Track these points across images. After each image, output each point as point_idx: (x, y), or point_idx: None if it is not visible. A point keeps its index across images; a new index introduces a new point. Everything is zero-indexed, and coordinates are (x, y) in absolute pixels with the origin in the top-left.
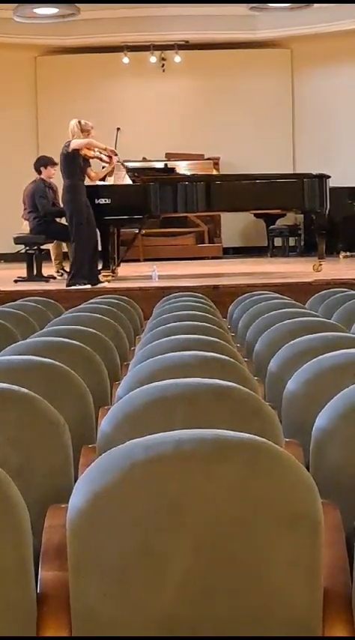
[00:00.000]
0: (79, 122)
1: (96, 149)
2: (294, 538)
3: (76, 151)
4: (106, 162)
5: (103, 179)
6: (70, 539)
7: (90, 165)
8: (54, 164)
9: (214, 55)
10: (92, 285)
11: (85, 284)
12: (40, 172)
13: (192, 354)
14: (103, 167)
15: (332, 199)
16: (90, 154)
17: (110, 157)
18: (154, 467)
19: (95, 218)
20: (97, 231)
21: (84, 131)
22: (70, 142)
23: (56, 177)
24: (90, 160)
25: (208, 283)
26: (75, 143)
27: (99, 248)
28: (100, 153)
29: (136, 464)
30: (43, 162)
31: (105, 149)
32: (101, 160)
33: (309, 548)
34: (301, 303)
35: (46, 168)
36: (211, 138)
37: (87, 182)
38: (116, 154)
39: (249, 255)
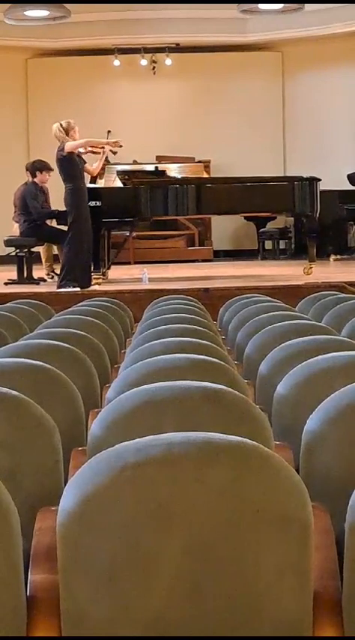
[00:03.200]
0: (61, 124)
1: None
2: (284, 541)
3: (71, 153)
4: (98, 152)
5: (94, 180)
6: (59, 542)
7: (85, 162)
8: (49, 170)
9: (205, 57)
10: (83, 287)
11: (75, 286)
12: (34, 175)
13: (182, 356)
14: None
15: (322, 202)
16: (84, 150)
17: (101, 148)
18: (144, 469)
19: None
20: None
21: (68, 131)
22: (63, 145)
23: (49, 182)
24: (84, 156)
25: (198, 286)
26: (70, 145)
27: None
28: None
29: (126, 467)
30: (38, 167)
31: (106, 143)
32: (94, 152)
33: (299, 551)
34: (291, 305)
35: (41, 172)
36: (202, 141)
37: (87, 178)
38: (119, 145)
39: (239, 258)
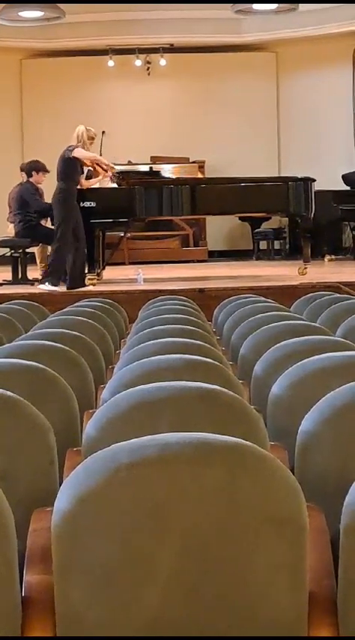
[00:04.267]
0: (88, 130)
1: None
2: (279, 541)
3: (78, 158)
4: (100, 174)
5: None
6: (54, 543)
7: (83, 173)
8: (46, 171)
9: (199, 58)
10: (76, 288)
11: (55, 285)
12: (30, 175)
13: (177, 357)
14: (89, 175)
15: (317, 203)
16: (88, 162)
17: (105, 171)
18: (139, 470)
19: None
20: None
21: (90, 139)
22: (74, 147)
23: (43, 184)
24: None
25: (193, 286)
26: (80, 153)
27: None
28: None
29: (121, 467)
30: (34, 167)
31: (107, 165)
32: (95, 170)
33: (294, 551)
34: (286, 306)
35: (37, 173)
36: (196, 141)
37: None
38: (114, 169)
39: (234, 259)
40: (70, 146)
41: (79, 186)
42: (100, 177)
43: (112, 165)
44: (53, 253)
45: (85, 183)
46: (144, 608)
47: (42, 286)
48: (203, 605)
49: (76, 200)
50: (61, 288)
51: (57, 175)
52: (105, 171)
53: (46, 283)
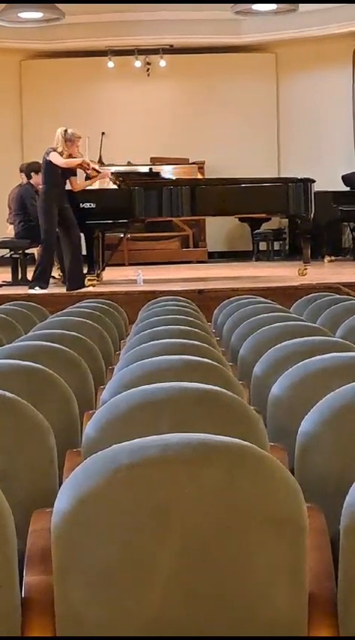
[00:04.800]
0: (65, 131)
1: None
2: (279, 542)
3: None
4: (91, 174)
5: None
6: (54, 544)
7: (75, 175)
8: None
9: (199, 59)
10: (76, 289)
11: (43, 288)
12: (29, 177)
13: (176, 358)
14: (86, 177)
15: (317, 203)
16: (64, 166)
17: (95, 171)
18: (139, 471)
19: (80, 222)
20: (81, 236)
21: (68, 141)
22: (51, 149)
23: None
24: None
25: (193, 287)
26: (54, 158)
27: (85, 252)
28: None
29: (121, 468)
30: (34, 168)
31: (83, 165)
32: (86, 172)
33: (294, 552)
34: (286, 307)
35: (36, 174)
36: (196, 142)
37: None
38: (97, 172)
39: (233, 260)
40: (49, 149)
41: (70, 188)
42: (93, 180)
43: (93, 167)
44: (39, 257)
45: (78, 186)
46: (144, 608)
47: (32, 291)
48: (203, 606)
49: (59, 202)
50: (60, 290)
51: (42, 177)
52: (88, 170)
53: (36, 287)
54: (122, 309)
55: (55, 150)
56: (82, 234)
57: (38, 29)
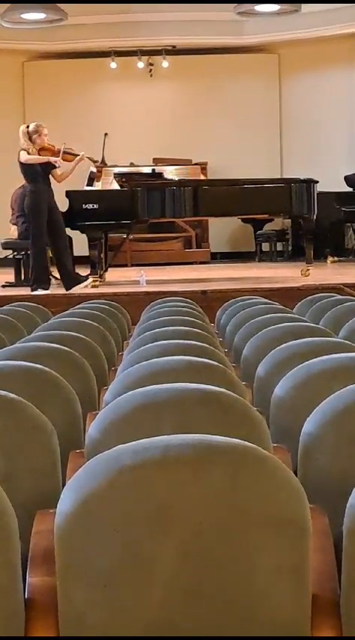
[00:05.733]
0: (27, 127)
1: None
2: (282, 543)
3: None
4: (65, 159)
5: (91, 183)
6: (57, 545)
7: (54, 168)
8: None
9: (202, 60)
10: (74, 286)
11: (46, 289)
12: None
13: (179, 359)
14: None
15: (319, 204)
16: (49, 154)
17: (70, 154)
18: (142, 472)
19: (82, 223)
20: (66, 232)
21: (34, 133)
22: (20, 150)
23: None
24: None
25: (196, 288)
26: (23, 157)
27: (87, 253)
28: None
29: (124, 469)
30: None
31: (52, 156)
32: (65, 160)
33: (297, 553)
34: (289, 308)
35: None
36: (199, 143)
37: (77, 186)
38: (74, 155)
39: (236, 260)
40: (19, 152)
41: (56, 182)
42: (74, 163)
43: (66, 150)
44: (31, 259)
45: (60, 177)
46: (146, 609)
47: (35, 293)
48: (205, 607)
49: (44, 199)
50: (61, 291)
51: (24, 178)
52: (58, 157)
53: (38, 290)
54: (125, 310)
55: (21, 151)
56: (84, 235)
57: (41, 30)
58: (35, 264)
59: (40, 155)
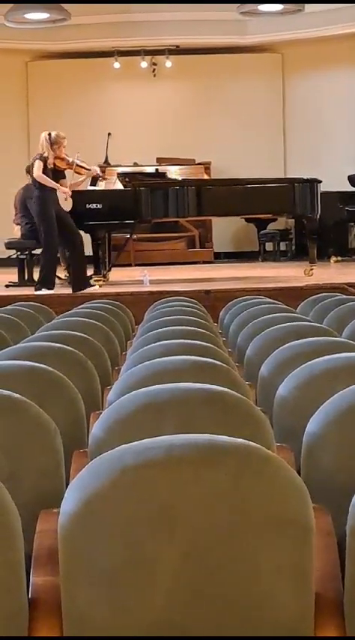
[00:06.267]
0: (49, 135)
1: (67, 163)
2: (285, 542)
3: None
4: (82, 174)
5: (94, 183)
6: (61, 544)
7: (64, 177)
8: None
9: (205, 59)
10: (79, 290)
11: (50, 289)
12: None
13: (183, 358)
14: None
15: (323, 204)
16: (63, 165)
17: (83, 169)
18: (145, 472)
19: (86, 223)
20: (82, 236)
21: (54, 144)
22: (36, 158)
23: None
24: (66, 172)
25: (199, 288)
26: (36, 171)
27: (91, 253)
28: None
29: (127, 469)
30: None
31: (69, 167)
32: (77, 172)
33: (300, 553)
34: (292, 307)
35: None
36: (202, 142)
37: (81, 186)
38: (86, 169)
39: (240, 260)
40: (36, 154)
41: (90, 179)
42: (84, 177)
43: (80, 164)
44: (41, 259)
45: (69, 187)
46: (149, 609)
47: (39, 292)
48: (208, 607)
49: (54, 206)
50: (66, 291)
51: (32, 183)
52: (83, 169)
53: (43, 289)
54: (128, 310)
55: (40, 156)
56: (88, 235)
57: (44, 30)
58: (45, 268)
59: (55, 163)
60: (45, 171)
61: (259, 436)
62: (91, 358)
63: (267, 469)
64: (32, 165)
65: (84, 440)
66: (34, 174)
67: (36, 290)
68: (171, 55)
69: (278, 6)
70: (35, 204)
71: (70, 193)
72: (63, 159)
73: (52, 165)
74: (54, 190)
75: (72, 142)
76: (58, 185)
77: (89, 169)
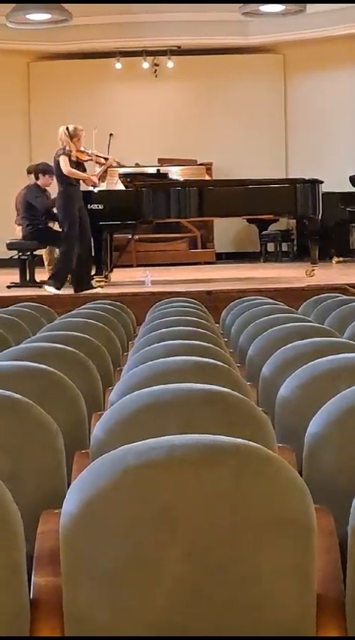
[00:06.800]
0: (67, 128)
1: (88, 155)
2: (287, 543)
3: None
4: (102, 164)
5: (93, 185)
6: (62, 545)
7: (85, 170)
8: (53, 174)
9: (207, 60)
10: (80, 290)
11: (58, 289)
12: (37, 178)
13: (185, 359)
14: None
15: (324, 204)
16: (85, 157)
17: (105, 159)
18: (147, 472)
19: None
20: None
21: (73, 137)
22: (62, 152)
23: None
24: (85, 163)
25: (201, 289)
26: (63, 164)
27: (92, 253)
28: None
29: (129, 469)
30: (42, 170)
31: (92, 160)
32: (98, 162)
33: (302, 553)
34: (294, 308)
35: (44, 175)
36: (204, 143)
37: (83, 186)
38: (105, 159)
39: (241, 261)
40: (58, 150)
41: (85, 185)
42: (103, 168)
43: (98, 155)
44: (60, 256)
45: (89, 180)
46: (151, 609)
47: (46, 287)
48: (210, 607)
49: (78, 202)
50: (68, 291)
51: (56, 180)
52: (105, 159)
53: (50, 287)
54: (130, 311)
55: (63, 150)
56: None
57: (46, 31)
58: (60, 263)
59: (77, 156)
60: (71, 165)
61: (260, 436)
62: (93, 359)
63: (269, 469)
64: (56, 162)
65: (85, 440)
66: (65, 171)
67: (44, 284)
68: (173, 56)
69: (280, 7)
70: (58, 199)
71: (98, 183)
72: (83, 151)
73: (75, 159)
74: (78, 186)
75: None
76: (88, 175)
77: (108, 159)
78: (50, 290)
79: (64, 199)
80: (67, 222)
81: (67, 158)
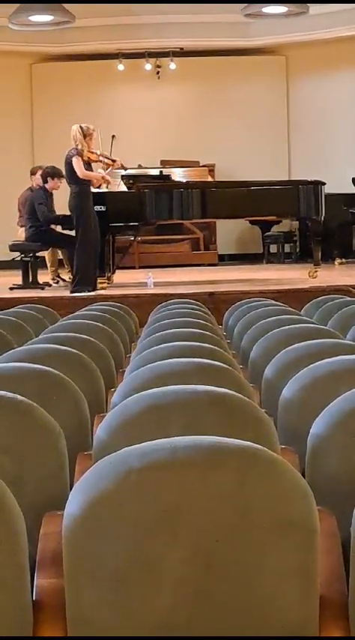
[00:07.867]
0: (81, 127)
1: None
2: (290, 545)
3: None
4: (109, 166)
5: (98, 186)
6: (65, 547)
7: (91, 170)
8: (62, 177)
9: (209, 62)
10: (91, 291)
11: (89, 291)
12: (45, 181)
13: (187, 361)
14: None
15: (327, 206)
16: (94, 157)
17: (113, 160)
18: (150, 474)
19: None
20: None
21: (86, 136)
22: (75, 152)
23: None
24: (93, 165)
25: (204, 290)
26: (77, 165)
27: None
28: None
29: (132, 471)
30: (51, 173)
31: (103, 164)
32: (105, 163)
33: (305, 555)
34: (296, 309)
35: (53, 179)
36: (206, 144)
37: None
38: (113, 161)
39: (244, 262)
40: (70, 150)
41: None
42: (110, 169)
43: (107, 155)
44: (77, 259)
45: (96, 181)
46: (153, 611)
47: (77, 295)
48: (212, 608)
49: (91, 201)
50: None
51: (67, 181)
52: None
53: (80, 292)
54: (132, 312)
55: (76, 150)
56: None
57: (49, 32)
58: (81, 268)
59: (88, 157)
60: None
61: (263, 438)
62: (95, 360)
63: (272, 471)
64: (68, 163)
65: (88, 442)
66: (80, 175)
67: (71, 292)
68: (175, 58)
69: (283, 8)
70: (73, 199)
71: (110, 181)
72: (93, 152)
73: (87, 159)
74: (90, 186)
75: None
76: (101, 175)
77: (115, 160)
78: (82, 295)
79: (80, 199)
80: (82, 219)
81: (80, 160)
